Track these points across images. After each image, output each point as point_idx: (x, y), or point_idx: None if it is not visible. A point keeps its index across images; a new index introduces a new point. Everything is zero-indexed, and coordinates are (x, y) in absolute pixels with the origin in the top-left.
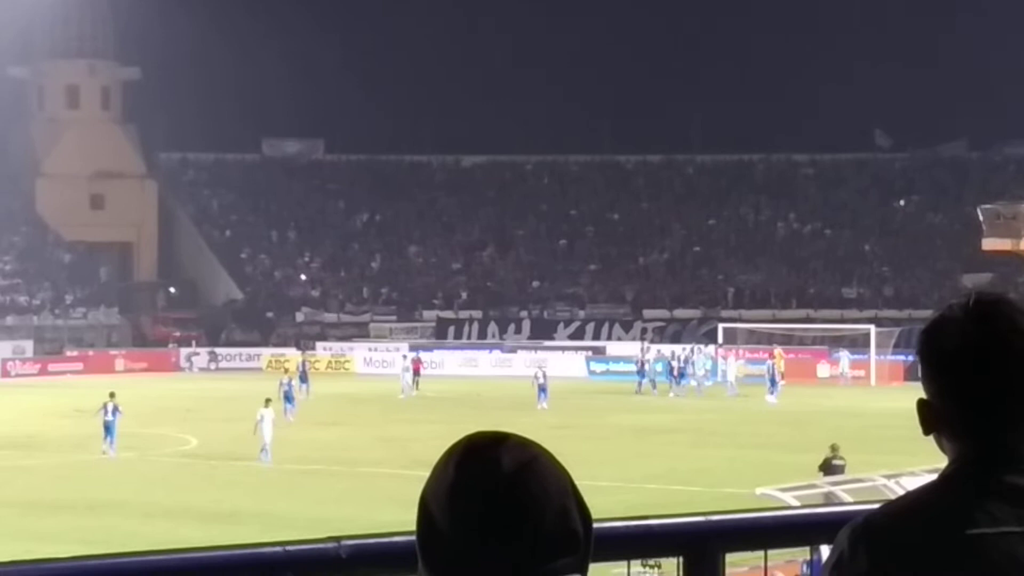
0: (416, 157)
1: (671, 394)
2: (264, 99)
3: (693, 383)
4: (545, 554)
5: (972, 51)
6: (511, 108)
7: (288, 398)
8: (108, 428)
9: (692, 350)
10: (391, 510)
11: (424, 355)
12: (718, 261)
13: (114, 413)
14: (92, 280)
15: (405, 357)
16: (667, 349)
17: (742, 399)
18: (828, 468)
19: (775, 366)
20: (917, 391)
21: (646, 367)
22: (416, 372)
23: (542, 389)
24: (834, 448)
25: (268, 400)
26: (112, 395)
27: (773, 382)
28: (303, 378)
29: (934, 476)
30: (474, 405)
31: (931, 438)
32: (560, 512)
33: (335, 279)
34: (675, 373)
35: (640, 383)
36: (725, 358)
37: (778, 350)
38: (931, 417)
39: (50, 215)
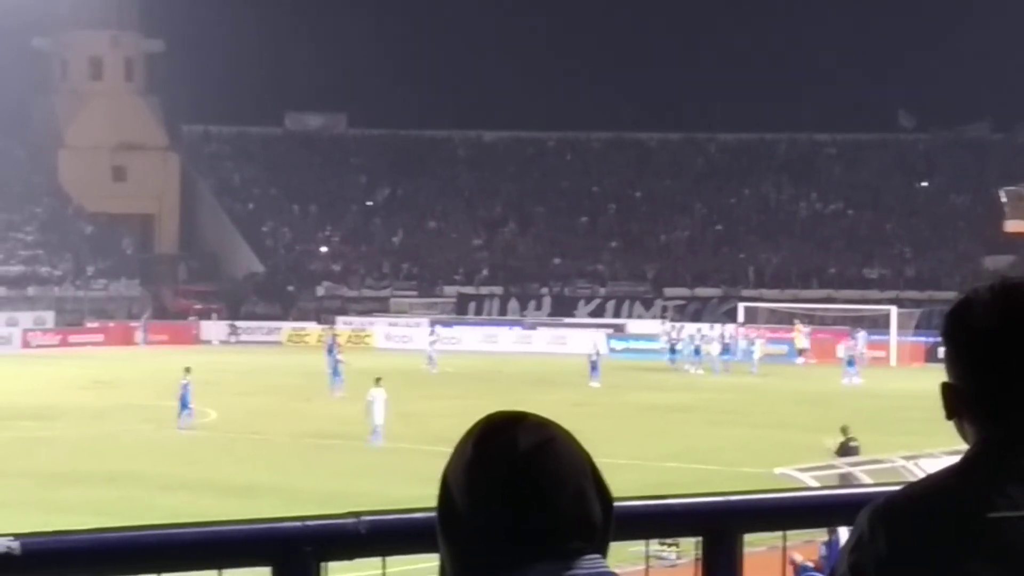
0: (438, 132)
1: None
2: (287, 73)
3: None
4: (562, 534)
5: (996, 32)
6: (533, 84)
7: (336, 372)
8: (184, 402)
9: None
10: (409, 485)
11: (444, 331)
12: (739, 240)
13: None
14: (114, 252)
15: (432, 331)
16: (693, 328)
17: (761, 377)
18: (845, 451)
19: (858, 346)
20: (938, 373)
21: (678, 346)
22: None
23: (594, 366)
24: (845, 430)
25: (378, 379)
26: (188, 370)
27: (852, 363)
28: (330, 351)
29: (954, 458)
30: (494, 382)
31: (951, 422)
32: (577, 493)
33: (356, 253)
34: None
35: (674, 361)
36: (747, 337)
37: (798, 325)
38: (954, 400)
39: (72, 186)
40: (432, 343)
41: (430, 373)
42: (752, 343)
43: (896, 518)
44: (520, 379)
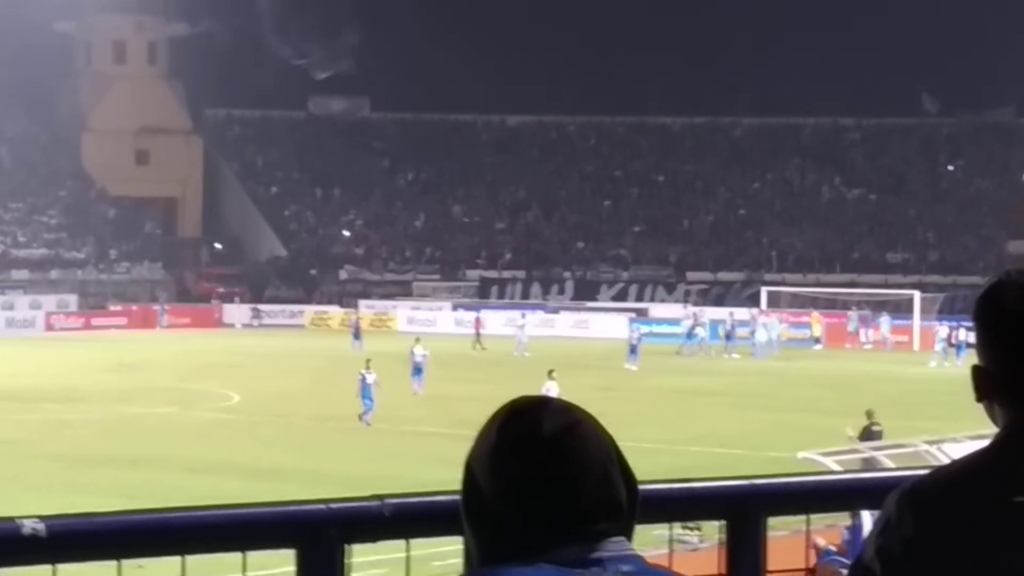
0: (461, 116)
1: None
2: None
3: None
4: (586, 518)
5: (1021, 16)
6: (557, 68)
7: (418, 370)
8: (366, 394)
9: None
10: (434, 469)
11: (466, 314)
12: (763, 224)
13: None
14: (136, 235)
15: (524, 315)
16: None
17: (785, 361)
18: (868, 435)
19: (958, 336)
20: (961, 358)
21: (696, 331)
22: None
23: (633, 349)
24: (870, 414)
25: (551, 371)
26: (368, 362)
27: (961, 348)
28: (356, 335)
29: (977, 443)
30: (517, 365)
31: (976, 406)
32: (601, 477)
33: (379, 237)
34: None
35: (684, 346)
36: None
37: (815, 314)
38: (985, 383)
39: (95, 170)
40: (521, 327)
41: (522, 357)
42: (769, 327)
43: (923, 501)
44: (544, 363)
